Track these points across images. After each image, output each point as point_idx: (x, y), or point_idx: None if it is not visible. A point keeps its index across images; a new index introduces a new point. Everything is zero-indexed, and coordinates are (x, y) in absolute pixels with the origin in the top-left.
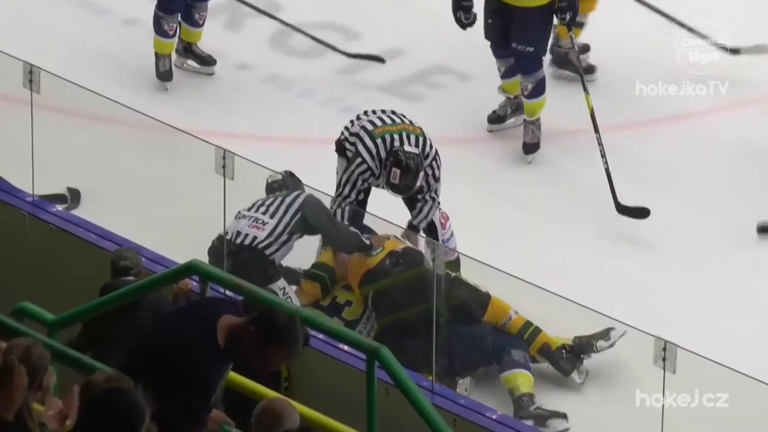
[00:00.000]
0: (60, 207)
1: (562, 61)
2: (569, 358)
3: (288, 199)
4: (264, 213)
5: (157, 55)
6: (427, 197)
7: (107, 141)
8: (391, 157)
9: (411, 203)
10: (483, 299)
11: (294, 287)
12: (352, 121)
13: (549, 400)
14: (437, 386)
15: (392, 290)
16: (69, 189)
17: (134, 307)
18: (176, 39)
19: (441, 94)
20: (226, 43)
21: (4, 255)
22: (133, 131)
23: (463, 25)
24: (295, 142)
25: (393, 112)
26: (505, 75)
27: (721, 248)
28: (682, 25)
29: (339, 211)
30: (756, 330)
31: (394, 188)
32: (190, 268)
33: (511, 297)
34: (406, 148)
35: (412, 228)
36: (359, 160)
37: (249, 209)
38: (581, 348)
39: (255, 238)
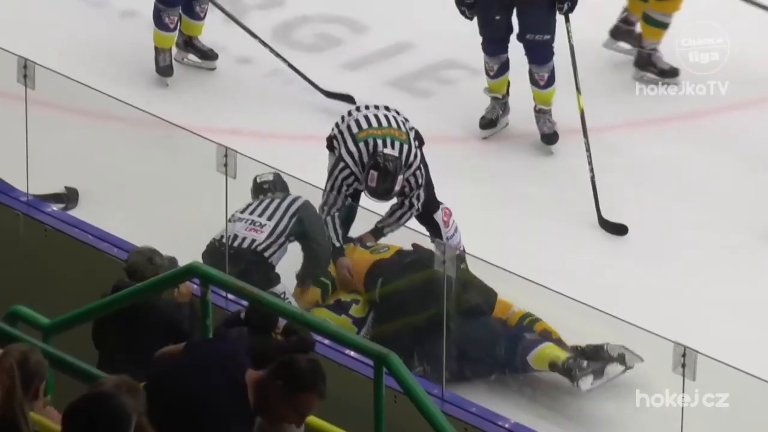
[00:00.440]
0: (57, 207)
1: (645, 62)
2: (579, 364)
3: (285, 202)
4: (260, 215)
5: (157, 49)
6: (405, 202)
7: (105, 138)
8: (371, 161)
9: (426, 222)
10: (491, 299)
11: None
12: (342, 117)
13: (557, 404)
14: (447, 394)
15: (401, 292)
16: (67, 188)
17: (143, 315)
18: (177, 32)
19: (450, 90)
20: (227, 37)
21: None
22: (132, 128)
23: (466, 17)
24: (298, 139)
25: (387, 109)
26: (497, 74)
27: (721, 249)
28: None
29: (329, 220)
30: (763, 332)
31: (373, 192)
32: (191, 271)
33: (515, 298)
34: (386, 150)
35: (375, 231)
36: (342, 164)
37: (243, 211)
38: (592, 355)
39: (254, 240)
